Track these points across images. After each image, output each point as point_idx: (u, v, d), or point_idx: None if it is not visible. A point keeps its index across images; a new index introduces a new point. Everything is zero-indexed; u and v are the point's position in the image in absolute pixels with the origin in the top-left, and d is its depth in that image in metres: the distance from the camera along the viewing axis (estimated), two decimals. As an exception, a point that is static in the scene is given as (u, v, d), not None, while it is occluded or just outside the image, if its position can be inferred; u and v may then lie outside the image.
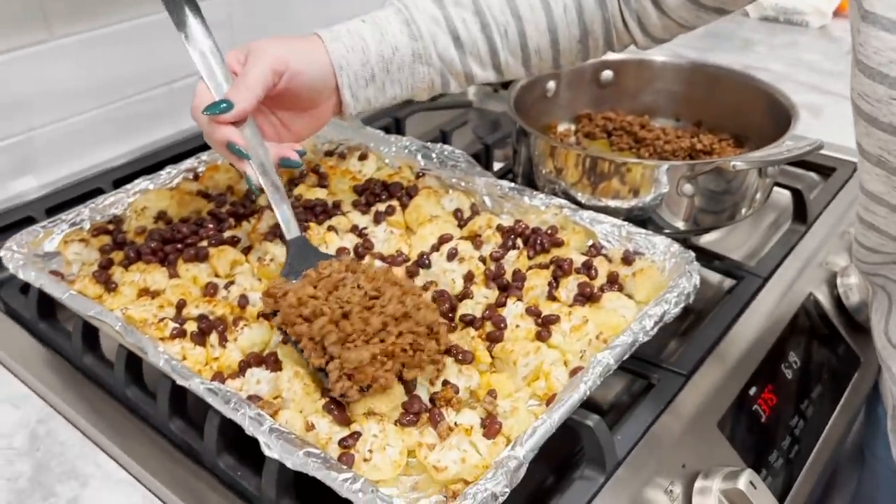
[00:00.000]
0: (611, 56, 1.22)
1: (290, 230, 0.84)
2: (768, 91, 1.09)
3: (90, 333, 0.87)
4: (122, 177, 1.16)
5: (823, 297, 1.03)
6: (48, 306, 0.93)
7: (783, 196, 1.17)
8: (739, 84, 1.15)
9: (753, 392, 0.88)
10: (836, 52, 1.75)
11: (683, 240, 0.94)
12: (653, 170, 0.95)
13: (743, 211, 1.02)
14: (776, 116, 1.06)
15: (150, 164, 1.19)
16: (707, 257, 1.04)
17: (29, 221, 1.08)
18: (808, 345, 0.99)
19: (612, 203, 0.99)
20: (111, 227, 0.98)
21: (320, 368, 0.71)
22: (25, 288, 0.95)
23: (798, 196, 1.11)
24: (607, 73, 1.23)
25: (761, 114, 1.10)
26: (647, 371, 0.87)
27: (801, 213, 1.11)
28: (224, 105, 0.78)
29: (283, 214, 0.84)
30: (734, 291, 0.99)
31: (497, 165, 1.29)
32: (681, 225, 1.00)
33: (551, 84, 1.20)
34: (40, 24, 1.08)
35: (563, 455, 0.79)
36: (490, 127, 1.44)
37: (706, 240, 1.12)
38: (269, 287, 0.77)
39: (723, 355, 0.90)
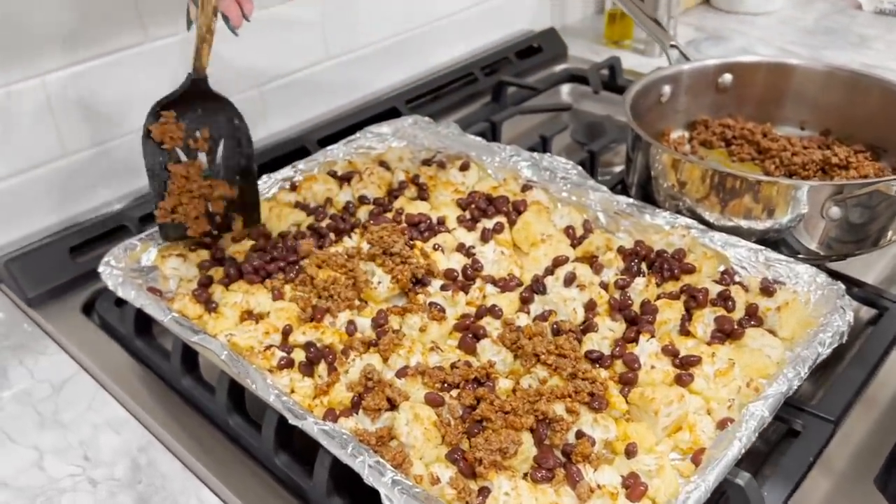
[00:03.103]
0: (732, 58, 1.13)
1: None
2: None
3: (189, 354, 0.83)
4: (215, 184, 1.12)
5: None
6: (145, 322, 0.89)
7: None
8: (880, 90, 1.04)
9: (909, 442, 0.79)
10: (962, 49, 1.61)
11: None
12: (793, 190, 0.86)
13: (889, 235, 0.92)
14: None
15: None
16: (843, 282, 0.95)
17: (124, 230, 1.05)
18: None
19: (744, 223, 0.90)
20: (208, 240, 0.94)
21: None
22: (120, 301, 0.92)
23: (947, 216, 1.00)
24: (726, 77, 1.13)
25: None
26: (788, 415, 0.78)
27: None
28: None
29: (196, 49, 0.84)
30: (879, 324, 0.89)
31: (600, 174, 1.21)
32: (817, 249, 0.91)
33: (667, 88, 1.12)
34: (136, 26, 1.05)
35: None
36: (588, 131, 1.36)
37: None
38: None
39: (872, 399, 0.81)
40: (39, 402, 0.84)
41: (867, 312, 0.95)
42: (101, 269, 0.87)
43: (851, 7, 1.82)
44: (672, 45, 1.17)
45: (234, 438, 0.78)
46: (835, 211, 0.85)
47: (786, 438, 0.78)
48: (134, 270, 0.90)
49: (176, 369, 0.83)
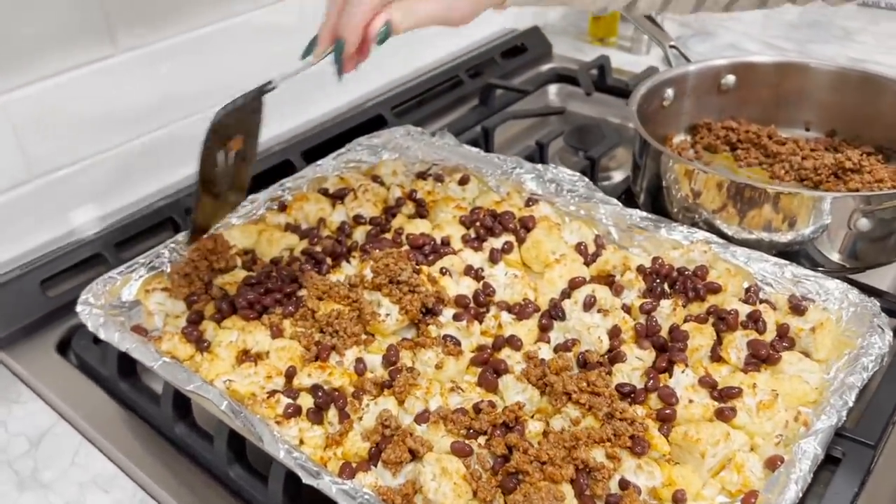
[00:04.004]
0: (736, 59, 1.09)
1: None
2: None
3: (181, 398, 0.76)
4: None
5: None
6: (129, 362, 0.82)
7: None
8: (890, 90, 1.01)
9: (948, 463, 0.76)
10: (948, 41, 1.60)
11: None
12: (818, 201, 0.82)
13: (912, 243, 0.88)
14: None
15: (223, 189, 1.07)
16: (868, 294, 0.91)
17: (98, 259, 0.97)
18: None
19: (765, 236, 0.86)
20: (194, 270, 0.87)
21: None
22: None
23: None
24: (729, 78, 1.09)
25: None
26: (826, 440, 0.74)
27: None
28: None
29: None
30: (907, 336, 0.86)
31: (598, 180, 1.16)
32: (841, 260, 0.87)
33: (670, 92, 1.07)
34: (105, 37, 0.96)
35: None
36: (582, 134, 1.30)
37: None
38: None
39: (909, 418, 0.77)
40: (16, 459, 0.76)
41: (889, 322, 0.92)
42: (79, 308, 0.79)
43: (834, -1, 1.79)
44: (671, 46, 1.12)
45: (235, 492, 0.72)
46: (863, 222, 0.81)
47: (825, 465, 0.74)
48: (115, 307, 0.82)
49: (167, 416, 0.76)
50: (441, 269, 0.85)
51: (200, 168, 0.77)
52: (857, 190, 0.96)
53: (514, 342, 0.75)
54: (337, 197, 0.98)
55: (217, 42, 1.09)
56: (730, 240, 0.87)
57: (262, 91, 0.78)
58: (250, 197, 0.96)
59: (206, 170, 0.78)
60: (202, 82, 1.09)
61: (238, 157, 0.81)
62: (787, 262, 0.82)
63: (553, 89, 1.45)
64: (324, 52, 0.75)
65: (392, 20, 0.71)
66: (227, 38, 1.10)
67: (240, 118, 0.79)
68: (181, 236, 0.89)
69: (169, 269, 0.86)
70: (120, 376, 0.81)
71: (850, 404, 0.66)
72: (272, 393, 0.70)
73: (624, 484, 0.60)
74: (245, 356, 0.75)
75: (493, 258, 0.87)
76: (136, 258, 0.87)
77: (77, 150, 0.99)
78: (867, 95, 1.03)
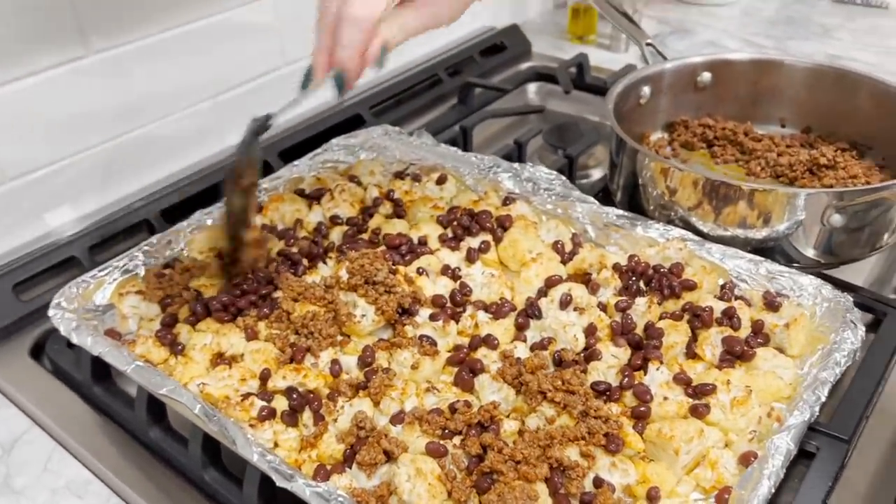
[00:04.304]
0: (712, 56, 1.10)
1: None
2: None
3: (156, 402, 0.76)
4: (170, 206, 1.04)
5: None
6: (103, 366, 0.81)
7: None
8: (864, 87, 1.01)
9: (922, 455, 0.76)
10: (923, 37, 1.61)
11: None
12: (791, 197, 0.82)
13: (885, 238, 0.89)
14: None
15: (200, 190, 1.06)
16: (841, 289, 0.92)
17: (72, 262, 0.96)
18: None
19: (740, 232, 0.87)
20: (169, 272, 0.86)
21: None
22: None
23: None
24: (706, 76, 1.10)
25: (892, 120, 0.97)
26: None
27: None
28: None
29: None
30: (879, 331, 0.86)
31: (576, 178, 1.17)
32: (816, 256, 0.88)
33: (646, 90, 1.07)
34: (76, 38, 0.95)
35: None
36: (560, 133, 1.30)
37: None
38: None
39: (882, 411, 0.78)
40: (-12, 465, 0.75)
41: (863, 317, 0.92)
42: (51, 312, 0.78)
43: (812, -5, 1.81)
44: (647, 44, 1.12)
45: (210, 496, 0.71)
46: (836, 218, 0.81)
47: (799, 460, 0.74)
48: (88, 311, 0.81)
49: (142, 420, 0.75)
50: (418, 269, 0.84)
51: (227, 221, 0.79)
52: (832, 186, 0.96)
53: (490, 341, 0.75)
54: (313, 197, 0.97)
55: (191, 43, 1.08)
56: (705, 237, 0.87)
57: (264, 127, 0.78)
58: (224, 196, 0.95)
59: (232, 218, 0.80)
60: (177, 83, 1.09)
61: (249, 190, 0.81)
62: (761, 258, 0.82)
63: (532, 88, 1.45)
64: (322, 82, 0.73)
65: (386, 40, 0.70)
66: (201, 39, 1.09)
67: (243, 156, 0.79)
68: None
69: (143, 273, 0.85)
70: (94, 381, 0.81)
71: (823, 399, 0.66)
72: (246, 396, 0.69)
73: (598, 482, 0.60)
74: (219, 359, 0.75)
75: (470, 258, 0.87)
76: (110, 261, 0.86)
77: (51, 152, 0.98)
78: (842, 92, 1.03)
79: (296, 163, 1.03)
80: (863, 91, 1.01)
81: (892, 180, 0.82)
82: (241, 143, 0.78)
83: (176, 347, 0.77)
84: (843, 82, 1.02)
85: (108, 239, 1.00)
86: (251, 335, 0.76)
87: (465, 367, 0.72)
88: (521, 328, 0.78)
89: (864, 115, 1.02)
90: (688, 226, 0.89)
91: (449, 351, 0.76)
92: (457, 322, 0.78)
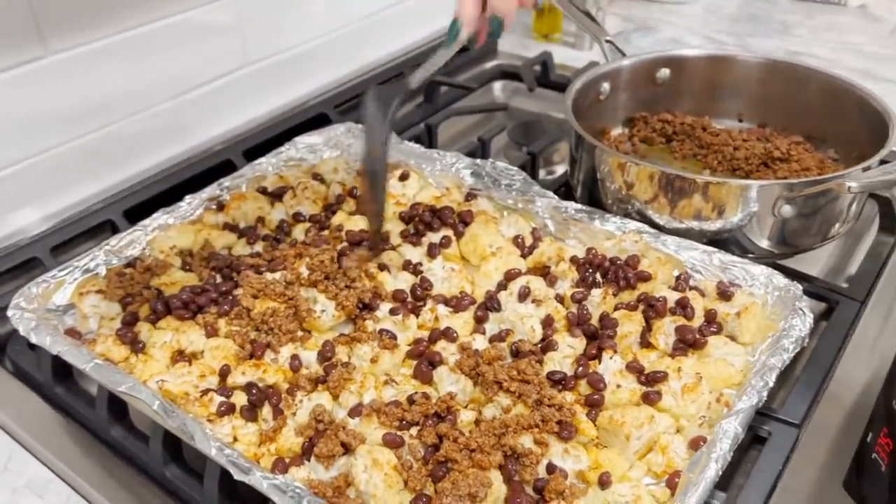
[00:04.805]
0: (669, 52, 1.12)
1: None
2: (854, 91, 0.98)
3: (117, 400, 0.76)
4: (133, 206, 1.04)
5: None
6: (65, 367, 0.81)
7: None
8: (815, 81, 1.04)
9: (870, 439, 0.78)
10: (879, 33, 1.64)
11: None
12: (744, 189, 0.84)
13: (836, 227, 0.91)
14: (863, 117, 0.95)
15: (163, 190, 1.06)
16: (790, 278, 0.94)
17: (33, 262, 0.95)
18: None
19: (695, 224, 0.88)
20: (130, 271, 0.86)
21: None
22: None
23: (887, 206, 1.01)
24: (664, 72, 1.12)
25: (844, 114, 1.00)
26: (753, 422, 0.76)
27: (890, 224, 1.01)
28: None
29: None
30: (831, 320, 0.89)
31: (541, 173, 1.18)
32: (769, 247, 0.90)
33: (605, 86, 1.09)
34: (34, 39, 0.95)
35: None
36: (525, 130, 1.32)
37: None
38: None
39: (834, 396, 0.80)
40: (-53, 467, 0.75)
41: (816, 306, 0.94)
42: (10, 312, 0.78)
43: (773, -7, 1.84)
44: (607, 41, 1.14)
45: (172, 492, 0.72)
46: (787, 209, 0.83)
47: (753, 445, 0.76)
48: (49, 311, 0.81)
49: (103, 418, 0.76)
50: (378, 264, 0.85)
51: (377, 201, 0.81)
52: (786, 178, 0.98)
53: (449, 334, 0.76)
54: (276, 195, 0.98)
55: (152, 43, 1.08)
56: (661, 229, 0.88)
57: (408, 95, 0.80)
58: (187, 197, 0.96)
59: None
60: (138, 83, 1.08)
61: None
62: (715, 249, 0.84)
63: (498, 86, 1.46)
64: (469, 35, 0.75)
65: None
66: (162, 39, 1.09)
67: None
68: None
69: (104, 272, 0.85)
70: (55, 381, 0.81)
71: (771, 384, 0.68)
72: (206, 392, 0.70)
73: (551, 468, 0.62)
74: (180, 356, 0.75)
75: (432, 253, 0.88)
76: (70, 261, 0.86)
77: (12, 153, 0.98)
78: (794, 86, 1.06)
79: (258, 161, 1.04)
80: (814, 86, 1.04)
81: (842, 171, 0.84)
82: (386, 119, 0.78)
83: (136, 345, 0.77)
84: (796, 77, 1.05)
85: (71, 239, 1.00)
86: (211, 332, 0.76)
87: (425, 360, 0.73)
88: (480, 321, 0.79)
89: (817, 109, 1.04)
90: (644, 219, 0.91)
91: (409, 344, 0.77)
92: (417, 316, 0.79)
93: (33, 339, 0.76)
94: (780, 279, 0.80)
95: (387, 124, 0.78)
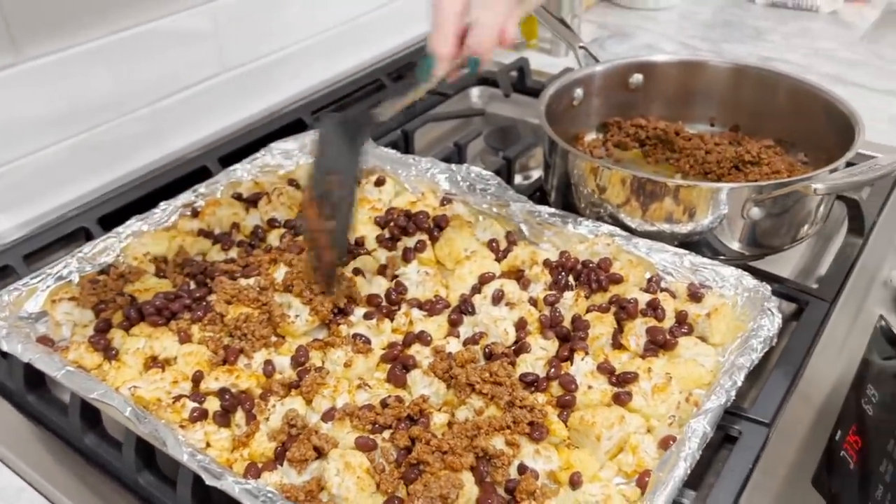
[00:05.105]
0: (641, 58, 1.13)
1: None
2: (821, 95, 1.00)
3: (90, 408, 0.75)
4: (107, 213, 1.03)
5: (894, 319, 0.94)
6: (37, 375, 0.81)
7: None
8: (784, 85, 1.05)
9: (839, 437, 0.80)
10: (850, 39, 1.67)
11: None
12: (713, 192, 0.85)
13: (805, 229, 0.93)
14: (830, 121, 0.97)
15: (138, 197, 1.06)
16: (761, 279, 0.95)
17: (6, 271, 0.95)
18: (882, 374, 0.91)
19: (666, 227, 0.89)
20: (104, 278, 0.86)
21: None
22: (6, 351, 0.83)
23: (855, 208, 1.03)
24: (637, 77, 1.13)
25: (813, 117, 1.01)
26: (724, 421, 0.77)
27: (858, 225, 1.03)
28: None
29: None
30: (801, 320, 0.90)
31: (517, 178, 1.19)
32: (740, 249, 0.91)
33: (579, 91, 1.10)
34: (6, 45, 0.95)
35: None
36: (501, 135, 1.33)
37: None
38: None
39: (803, 395, 0.81)
40: (-84, 477, 0.74)
41: (787, 307, 0.96)
42: (-20, 320, 0.78)
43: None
44: (581, 47, 1.15)
45: (145, 499, 0.71)
46: (755, 211, 0.85)
47: (724, 444, 0.77)
48: (20, 318, 0.81)
49: (76, 426, 0.75)
50: (354, 269, 0.85)
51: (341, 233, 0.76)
52: (756, 181, 1.00)
53: (423, 338, 0.77)
54: (251, 201, 0.98)
55: (127, 49, 1.08)
56: (633, 232, 0.89)
57: (375, 127, 0.77)
58: (162, 204, 0.96)
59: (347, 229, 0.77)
60: (113, 90, 1.08)
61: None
62: (686, 251, 0.85)
63: (475, 92, 1.47)
64: (445, 73, 0.73)
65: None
66: (137, 45, 1.09)
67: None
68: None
69: (77, 279, 0.85)
70: (27, 389, 0.80)
71: (739, 384, 0.69)
72: (178, 398, 0.70)
73: (522, 469, 0.62)
74: (153, 363, 0.75)
75: (407, 257, 0.88)
76: (43, 268, 0.86)
77: (-18, 161, 0.97)
78: (764, 91, 1.07)
79: (234, 167, 1.04)
80: (784, 90, 1.05)
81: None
82: (355, 153, 0.75)
83: (109, 352, 0.77)
84: (766, 82, 1.06)
85: (44, 247, 0.99)
86: (184, 338, 0.76)
87: (398, 364, 0.74)
88: (454, 324, 0.80)
89: (787, 113, 1.06)
90: (617, 222, 0.92)
91: (383, 349, 0.77)
92: (391, 320, 0.80)
93: (4, 347, 0.75)
94: (749, 280, 0.81)
95: (358, 162, 0.76)
